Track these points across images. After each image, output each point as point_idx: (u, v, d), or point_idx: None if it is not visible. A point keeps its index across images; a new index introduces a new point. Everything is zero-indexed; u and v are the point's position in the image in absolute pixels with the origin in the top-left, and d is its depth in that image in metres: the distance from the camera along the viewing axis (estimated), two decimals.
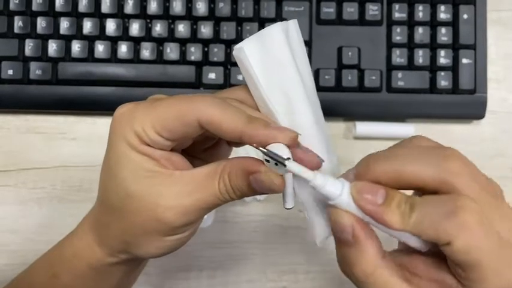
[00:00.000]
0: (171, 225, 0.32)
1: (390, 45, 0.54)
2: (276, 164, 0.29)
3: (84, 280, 0.36)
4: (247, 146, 0.33)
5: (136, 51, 0.53)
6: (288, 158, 0.29)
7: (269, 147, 0.30)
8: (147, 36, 0.53)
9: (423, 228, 0.28)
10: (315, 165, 0.31)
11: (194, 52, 0.53)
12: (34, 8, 0.52)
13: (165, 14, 0.53)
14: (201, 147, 0.36)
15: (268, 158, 0.30)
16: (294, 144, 0.30)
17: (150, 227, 0.32)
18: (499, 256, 0.28)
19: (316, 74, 0.53)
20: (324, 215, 0.33)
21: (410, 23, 0.54)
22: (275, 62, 0.32)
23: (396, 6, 0.54)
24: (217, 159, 0.37)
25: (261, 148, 0.30)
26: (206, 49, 0.53)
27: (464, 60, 0.53)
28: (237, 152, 0.41)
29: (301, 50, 0.34)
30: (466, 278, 0.29)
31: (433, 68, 0.53)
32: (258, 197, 0.52)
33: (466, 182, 0.29)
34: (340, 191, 0.29)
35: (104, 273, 0.36)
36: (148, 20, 0.53)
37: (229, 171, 0.31)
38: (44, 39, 0.53)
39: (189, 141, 0.34)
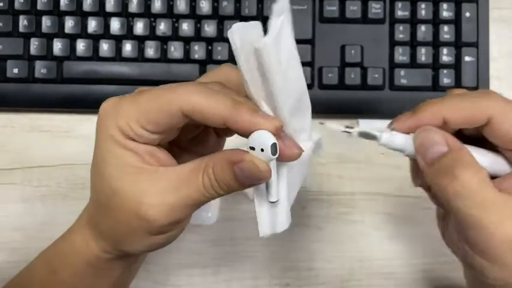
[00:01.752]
0: (155, 223, 0.31)
1: (393, 43, 0.54)
2: (262, 150, 0.29)
3: (82, 276, 0.36)
4: (241, 138, 0.32)
5: (141, 50, 0.53)
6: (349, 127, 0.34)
7: (253, 134, 0.29)
8: (152, 34, 0.53)
9: (461, 113, 0.32)
10: (295, 156, 0.31)
11: (198, 50, 0.53)
12: (39, 7, 0.53)
13: (169, 13, 0.53)
14: (186, 137, 0.35)
15: (253, 146, 0.29)
16: (277, 134, 0.29)
17: (135, 225, 0.32)
18: None
19: (319, 72, 0.53)
20: (272, 211, 0.33)
21: (413, 21, 0.54)
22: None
23: (399, 4, 0.54)
24: (206, 150, 0.36)
25: (328, 123, 0.33)
26: (210, 47, 0.53)
27: (467, 58, 0.53)
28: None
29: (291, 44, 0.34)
30: None
31: (436, 65, 0.53)
32: None
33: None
34: (404, 144, 0.34)
35: (102, 270, 0.36)
36: (152, 19, 0.53)
37: (213, 165, 0.30)
38: (48, 38, 0.53)
39: (176, 132, 0.33)
